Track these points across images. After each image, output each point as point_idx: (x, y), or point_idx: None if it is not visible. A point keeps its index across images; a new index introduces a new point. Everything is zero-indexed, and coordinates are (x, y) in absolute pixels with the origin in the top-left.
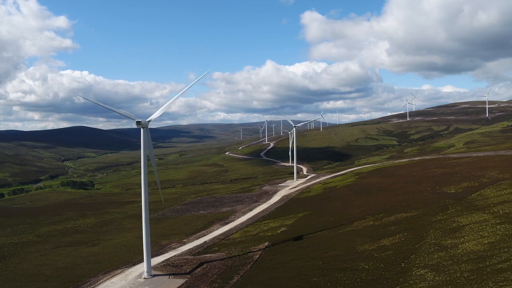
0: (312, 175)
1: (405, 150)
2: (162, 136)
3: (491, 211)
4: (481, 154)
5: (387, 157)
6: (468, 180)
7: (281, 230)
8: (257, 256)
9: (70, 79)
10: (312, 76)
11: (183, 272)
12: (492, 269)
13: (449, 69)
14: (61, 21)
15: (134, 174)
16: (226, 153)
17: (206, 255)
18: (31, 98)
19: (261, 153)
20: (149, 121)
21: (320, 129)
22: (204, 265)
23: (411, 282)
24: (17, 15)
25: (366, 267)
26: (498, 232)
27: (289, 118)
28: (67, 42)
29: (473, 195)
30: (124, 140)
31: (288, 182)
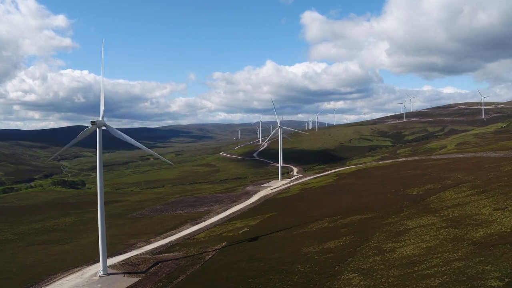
0: (299, 175)
1: (397, 151)
2: (162, 136)
3: (441, 214)
4: (460, 155)
5: (378, 158)
6: (433, 182)
7: (243, 230)
8: (210, 257)
9: (70, 79)
10: (312, 76)
11: (138, 271)
12: (418, 275)
13: (450, 70)
14: (60, 20)
15: (128, 174)
16: (221, 153)
17: (165, 254)
18: (31, 97)
19: (254, 153)
20: (105, 124)
21: (316, 129)
22: (159, 264)
23: (337, 286)
24: (16, 14)
25: (302, 269)
26: (439, 236)
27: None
28: (67, 41)
29: (431, 197)
30: (121, 139)
31: (272, 182)
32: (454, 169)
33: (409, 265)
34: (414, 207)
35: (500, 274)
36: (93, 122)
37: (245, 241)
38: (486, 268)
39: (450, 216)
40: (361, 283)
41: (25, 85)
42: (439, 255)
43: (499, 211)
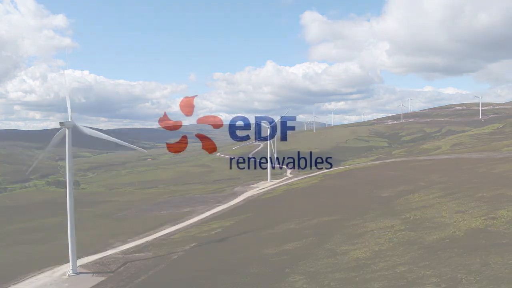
0: (290, 176)
1: (393, 152)
2: (162, 136)
3: (403, 216)
4: (445, 156)
5: (373, 158)
6: (407, 184)
7: (216, 231)
8: (175, 257)
9: (70, 79)
10: (312, 76)
11: (107, 270)
12: (361, 279)
13: (451, 71)
14: (59, 19)
15: (124, 174)
16: (217, 154)
17: (136, 254)
18: (31, 98)
19: (250, 154)
20: (74, 124)
21: (313, 130)
22: (127, 264)
23: None
24: (15, 13)
25: (255, 271)
26: (394, 239)
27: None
28: (67, 41)
29: (400, 199)
30: (121, 140)
31: (261, 183)
32: (431, 170)
33: (355, 269)
34: (380, 209)
35: (438, 280)
36: (61, 123)
37: (214, 242)
38: (427, 273)
39: (411, 218)
40: (304, 286)
41: (26, 85)
42: (387, 259)
43: (459, 214)
